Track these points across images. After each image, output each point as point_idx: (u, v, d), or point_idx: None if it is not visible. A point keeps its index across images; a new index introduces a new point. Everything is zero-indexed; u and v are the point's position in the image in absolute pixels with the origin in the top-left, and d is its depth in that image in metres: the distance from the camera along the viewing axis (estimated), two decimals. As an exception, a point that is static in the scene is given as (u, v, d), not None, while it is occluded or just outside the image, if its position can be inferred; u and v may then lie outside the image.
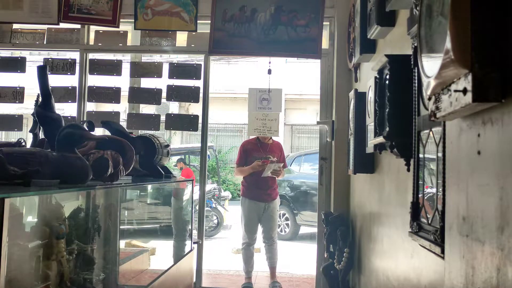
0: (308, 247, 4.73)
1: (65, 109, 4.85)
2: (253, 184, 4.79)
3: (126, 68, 4.61)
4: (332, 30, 4.47)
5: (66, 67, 4.56)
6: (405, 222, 2.02)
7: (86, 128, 2.17)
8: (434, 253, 1.45)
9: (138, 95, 4.59)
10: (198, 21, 4.46)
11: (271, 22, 4.35)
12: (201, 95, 4.56)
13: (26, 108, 4.34)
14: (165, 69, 4.57)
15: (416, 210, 1.74)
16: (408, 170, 1.89)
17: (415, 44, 1.59)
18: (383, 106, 2.16)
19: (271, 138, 4.84)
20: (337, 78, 4.33)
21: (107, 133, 2.97)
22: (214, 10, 4.39)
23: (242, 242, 4.85)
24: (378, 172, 2.95)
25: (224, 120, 14.73)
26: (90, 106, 4.73)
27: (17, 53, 4.74)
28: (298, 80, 13.06)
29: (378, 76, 2.31)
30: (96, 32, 4.61)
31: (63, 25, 4.58)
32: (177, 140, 14.79)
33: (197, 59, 5.01)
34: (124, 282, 2.77)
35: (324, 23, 4.40)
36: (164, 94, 4.56)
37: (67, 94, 4.52)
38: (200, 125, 4.61)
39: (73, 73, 4.56)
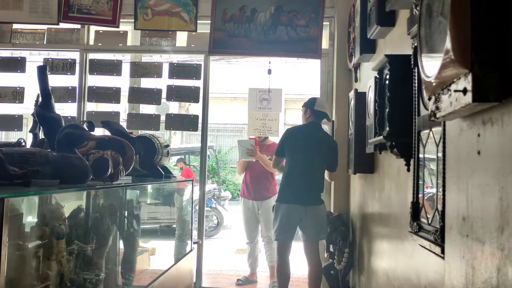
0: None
1: (65, 109, 4.85)
2: (250, 184, 4.87)
3: (126, 68, 4.61)
4: (332, 30, 4.47)
5: (66, 67, 4.56)
6: (405, 222, 2.02)
7: (86, 128, 2.17)
8: (434, 253, 1.45)
9: (138, 95, 4.59)
10: (198, 21, 4.46)
11: (271, 22, 4.35)
12: (201, 95, 4.56)
13: (26, 108, 4.34)
14: (165, 69, 4.57)
15: (416, 210, 1.74)
16: (408, 170, 1.89)
17: (415, 44, 1.59)
18: (383, 106, 2.16)
19: (267, 138, 4.85)
20: (337, 78, 4.33)
21: (107, 133, 2.97)
22: (214, 10, 4.39)
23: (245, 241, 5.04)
24: (378, 172, 2.95)
25: (224, 120, 14.72)
26: (90, 106, 4.73)
27: (17, 53, 4.73)
28: (298, 80, 13.06)
29: (378, 76, 2.31)
30: (96, 32, 4.61)
31: (63, 25, 4.58)
32: (177, 140, 14.78)
33: (197, 59, 5.01)
34: (124, 282, 2.77)
35: (324, 23, 4.40)
36: (164, 94, 4.56)
37: (67, 94, 4.52)
38: (200, 125, 4.62)
39: (73, 73, 4.56)
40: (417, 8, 1.23)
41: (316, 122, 3.83)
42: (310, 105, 3.86)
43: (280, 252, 3.76)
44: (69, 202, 2.17)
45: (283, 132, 3.94)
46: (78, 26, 4.58)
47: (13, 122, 4.66)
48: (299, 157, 3.72)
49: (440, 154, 1.43)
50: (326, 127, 4.45)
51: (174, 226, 4.22)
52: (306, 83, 12.44)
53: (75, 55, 4.64)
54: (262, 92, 4.59)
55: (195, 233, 4.40)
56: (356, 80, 3.86)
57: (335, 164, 3.81)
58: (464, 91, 0.92)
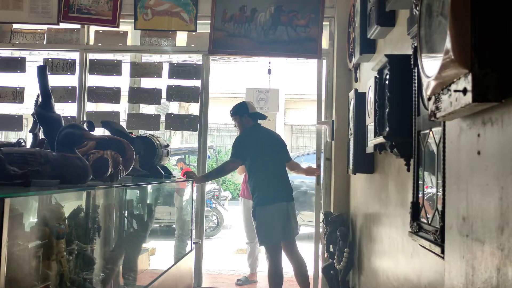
0: (308, 247, 4.76)
1: (65, 109, 4.85)
2: None
3: (126, 68, 4.61)
4: (332, 30, 4.47)
5: (66, 67, 4.56)
6: (405, 222, 2.02)
7: (86, 128, 2.17)
8: (434, 253, 1.45)
9: (138, 95, 4.59)
10: (198, 21, 4.46)
11: (271, 22, 4.35)
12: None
13: (26, 108, 4.34)
14: (165, 69, 4.57)
15: (416, 210, 1.74)
16: (408, 170, 1.89)
17: (415, 44, 1.59)
18: (383, 106, 2.16)
19: None
20: (337, 78, 4.33)
21: (107, 133, 2.97)
22: (214, 10, 4.39)
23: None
24: (378, 172, 2.95)
25: (224, 120, 14.70)
26: (90, 106, 4.73)
27: (17, 53, 4.73)
28: (298, 80, 13.06)
29: (378, 76, 2.31)
30: (96, 32, 4.61)
31: (63, 25, 4.57)
32: (177, 140, 14.77)
33: (197, 59, 5.01)
34: (124, 282, 2.77)
35: (324, 23, 4.40)
36: (164, 94, 4.56)
37: (67, 94, 4.52)
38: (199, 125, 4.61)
39: (73, 73, 4.56)
40: (417, 8, 1.23)
41: (258, 124, 3.96)
42: (244, 111, 3.91)
43: (273, 255, 3.72)
44: (69, 202, 2.16)
45: (235, 141, 3.91)
46: (78, 26, 4.58)
47: (13, 122, 4.66)
48: (265, 158, 3.80)
49: (440, 154, 1.43)
50: (326, 127, 4.45)
51: (174, 226, 4.22)
52: (306, 83, 12.43)
53: (75, 55, 4.63)
54: (259, 92, 4.59)
55: (195, 233, 4.40)
56: (356, 80, 3.86)
57: (289, 154, 4.09)
58: (464, 91, 0.92)
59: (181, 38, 4.59)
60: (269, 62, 4.61)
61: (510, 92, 0.87)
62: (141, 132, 4.50)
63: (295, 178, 8.79)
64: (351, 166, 3.38)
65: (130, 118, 4.55)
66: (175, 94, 4.56)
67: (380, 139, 2.18)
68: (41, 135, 2.61)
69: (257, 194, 3.77)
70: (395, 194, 2.44)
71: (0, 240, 1.36)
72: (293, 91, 13.29)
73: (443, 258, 1.29)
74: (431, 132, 1.60)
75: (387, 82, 2.12)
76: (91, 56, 4.64)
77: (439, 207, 1.44)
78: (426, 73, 1.12)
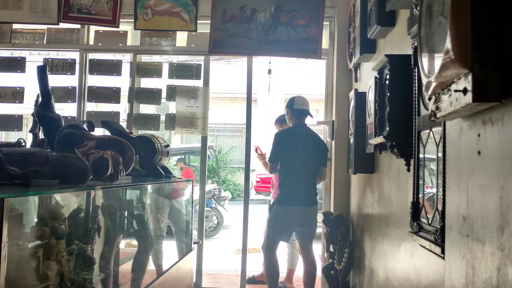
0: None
1: (65, 109, 4.85)
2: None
3: (126, 68, 4.60)
4: (332, 30, 4.47)
5: (66, 67, 4.56)
6: (405, 222, 2.02)
7: (86, 128, 2.17)
8: (434, 253, 1.45)
9: (138, 95, 4.59)
10: (198, 21, 4.46)
11: (271, 22, 4.35)
12: (201, 95, 4.56)
13: (26, 108, 4.33)
14: (165, 69, 4.57)
15: (416, 210, 1.74)
16: (408, 170, 1.89)
17: (415, 44, 1.59)
18: (383, 106, 2.16)
19: None
20: (337, 78, 4.33)
21: (107, 133, 2.97)
22: (214, 10, 4.38)
23: None
24: (378, 172, 2.95)
25: (224, 120, 14.71)
26: (90, 106, 4.72)
27: (17, 53, 4.73)
28: (298, 80, 13.07)
29: (378, 76, 2.31)
30: (96, 32, 4.61)
31: (63, 25, 4.57)
32: (177, 140, 14.77)
33: (197, 59, 5.01)
34: (124, 282, 2.77)
35: (324, 23, 4.40)
36: (164, 94, 4.56)
37: (67, 94, 4.52)
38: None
39: (73, 73, 4.56)
40: (417, 8, 1.23)
41: (301, 123, 3.93)
42: (289, 106, 3.97)
43: (269, 251, 3.81)
44: (69, 202, 2.16)
45: (273, 140, 3.92)
46: (78, 26, 4.57)
47: (13, 122, 4.66)
48: (295, 159, 3.81)
49: (440, 154, 1.43)
50: (326, 127, 4.45)
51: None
52: (306, 83, 12.43)
53: (75, 55, 4.63)
54: (190, 90, 4.56)
55: (195, 233, 4.40)
56: (356, 80, 3.86)
57: (326, 160, 3.99)
58: (464, 91, 0.92)
59: (181, 38, 4.59)
60: (269, 62, 4.60)
61: (510, 92, 0.87)
62: (141, 132, 4.50)
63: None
64: (351, 166, 3.38)
65: (130, 118, 4.55)
66: (175, 94, 4.56)
67: (380, 139, 2.18)
68: (41, 135, 2.61)
69: (280, 192, 3.85)
70: (395, 194, 2.44)
71: (0, 240, 1.36)
72: (293, 91, 13.30)
73: (443, 258, 1.29)
74: (431, 132, 1.59)
75: (387, 82, 2.12)
76: (91, 56, 4.64)
77: (439, 207, 1.44)
78: (427, 73, 1.12)
